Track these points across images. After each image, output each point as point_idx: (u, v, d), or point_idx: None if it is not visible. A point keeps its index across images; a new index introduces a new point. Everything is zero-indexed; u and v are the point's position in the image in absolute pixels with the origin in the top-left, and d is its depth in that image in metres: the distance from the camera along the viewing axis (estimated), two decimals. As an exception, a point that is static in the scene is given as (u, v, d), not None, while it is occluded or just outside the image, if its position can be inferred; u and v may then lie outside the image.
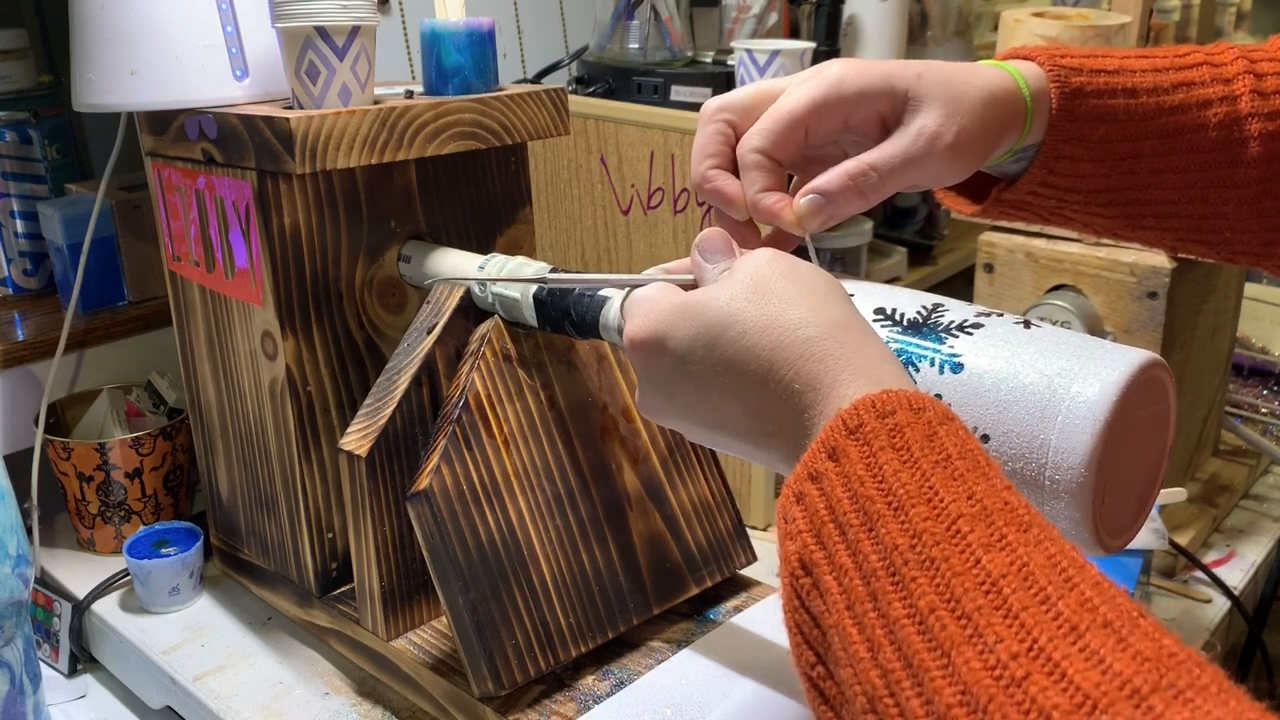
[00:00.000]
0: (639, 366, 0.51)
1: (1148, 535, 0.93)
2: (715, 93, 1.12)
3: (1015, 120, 0.55)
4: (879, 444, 0.38)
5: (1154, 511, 0.87)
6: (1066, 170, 0.57)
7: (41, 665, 0.89)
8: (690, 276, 0.52)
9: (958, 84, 0.53)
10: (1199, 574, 1.01)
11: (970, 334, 0.45)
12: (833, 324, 0.44)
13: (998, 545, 0.34)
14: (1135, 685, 0.29)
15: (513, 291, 0.72)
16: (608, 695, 0.71)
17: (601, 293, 0.66)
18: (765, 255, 0.48)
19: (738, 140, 0.56)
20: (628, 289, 0.55)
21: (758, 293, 0.46)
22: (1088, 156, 0.57)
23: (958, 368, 0.44)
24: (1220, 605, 0.98)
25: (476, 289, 0.74)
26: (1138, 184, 0.59)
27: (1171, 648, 0.31)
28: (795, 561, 0.39)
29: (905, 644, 0.33)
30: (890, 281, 0.54)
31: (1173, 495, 1.01)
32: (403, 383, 0.73)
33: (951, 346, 0.45)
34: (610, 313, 0.65)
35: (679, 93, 1.14)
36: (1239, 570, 1.03)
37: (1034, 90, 0.56)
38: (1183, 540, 1.02)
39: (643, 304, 0.51)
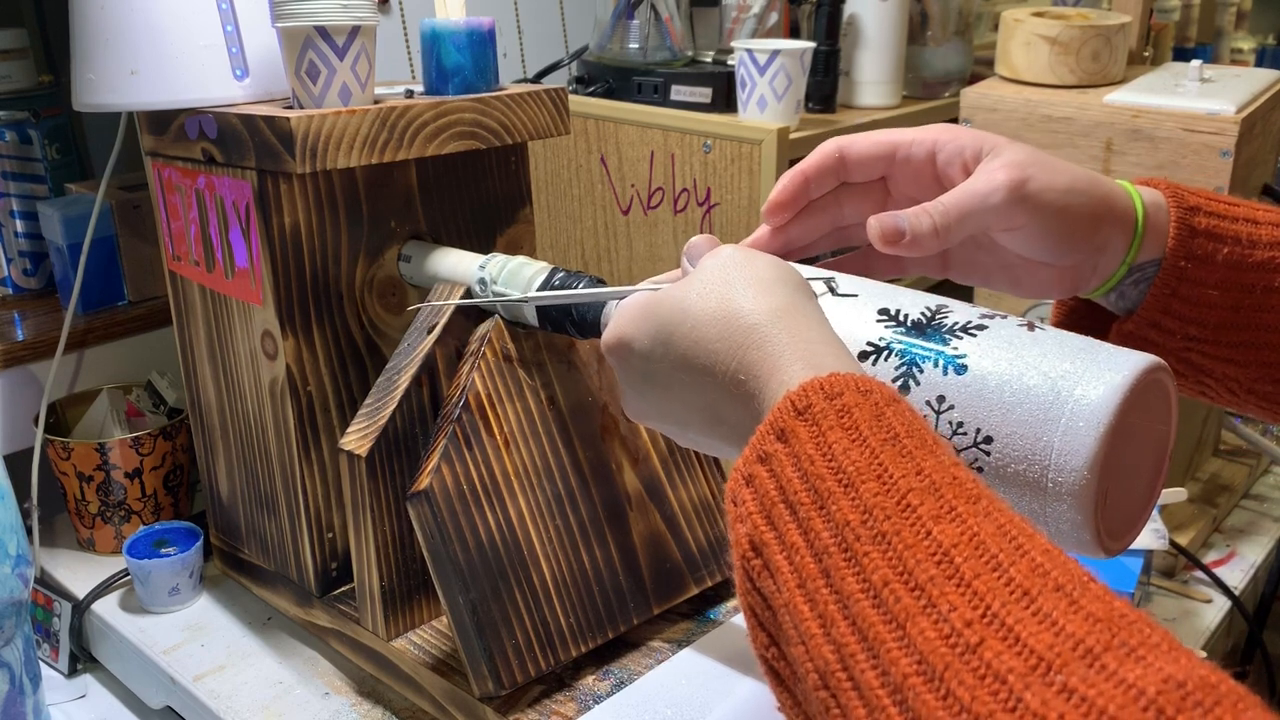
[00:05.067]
0: (616, 370, 0.52)
1: (1148, 535, 0.93)
2: (715, 93, 1.13)
3: (1117, 217, 0.52)
4: (828, 424, 0.38)
5: (1154, 511, 0.87)
6: (1190, 296, 0.53)
7: (41, 665, 0.89)
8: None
9: (1046, 155, 0.52)
10: (1199, 574, 1.01)
11: (974, 335, 0.45)
12: (774, 310, 0.44)
13: (948, 517, 0.35)
14: (1088, 645, 0.30)
15: (513, 290, 0.72)
16: (608, 695, 0.71)
17: None
18: (725, 250, 0.49)
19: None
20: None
21: (709, 285, 0.47)
22: (1213, 281, 0.53)
23: (961, 369, 0.44)
24: (1220, 605, 0.98)
25: (477, 289, 0.74)
26: (1272, 324, 0.54)
27: (1122, 609, 0.31)
28: (746, 543, 0.39)
29: (860, 618, 0.34)
30: (892, 281, 0.53)
31: (1173, 495, 1.01)
32: (403, 383, 0.73)
33: (955, 348, 0.45)
34: (610, 313, 0.65)
35: (679, 93, 1.14)
36: (1239, 570, 1.03)
37: (1147, 202, 0.53)
38: (1183, 540, 1.02)
39: (616, 310, 0.52)
